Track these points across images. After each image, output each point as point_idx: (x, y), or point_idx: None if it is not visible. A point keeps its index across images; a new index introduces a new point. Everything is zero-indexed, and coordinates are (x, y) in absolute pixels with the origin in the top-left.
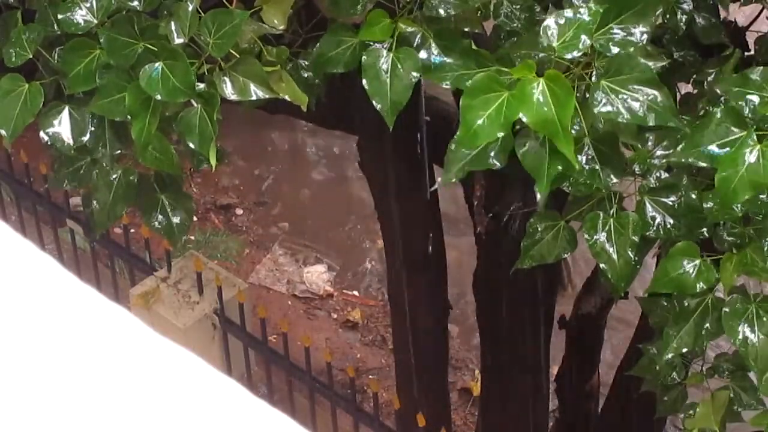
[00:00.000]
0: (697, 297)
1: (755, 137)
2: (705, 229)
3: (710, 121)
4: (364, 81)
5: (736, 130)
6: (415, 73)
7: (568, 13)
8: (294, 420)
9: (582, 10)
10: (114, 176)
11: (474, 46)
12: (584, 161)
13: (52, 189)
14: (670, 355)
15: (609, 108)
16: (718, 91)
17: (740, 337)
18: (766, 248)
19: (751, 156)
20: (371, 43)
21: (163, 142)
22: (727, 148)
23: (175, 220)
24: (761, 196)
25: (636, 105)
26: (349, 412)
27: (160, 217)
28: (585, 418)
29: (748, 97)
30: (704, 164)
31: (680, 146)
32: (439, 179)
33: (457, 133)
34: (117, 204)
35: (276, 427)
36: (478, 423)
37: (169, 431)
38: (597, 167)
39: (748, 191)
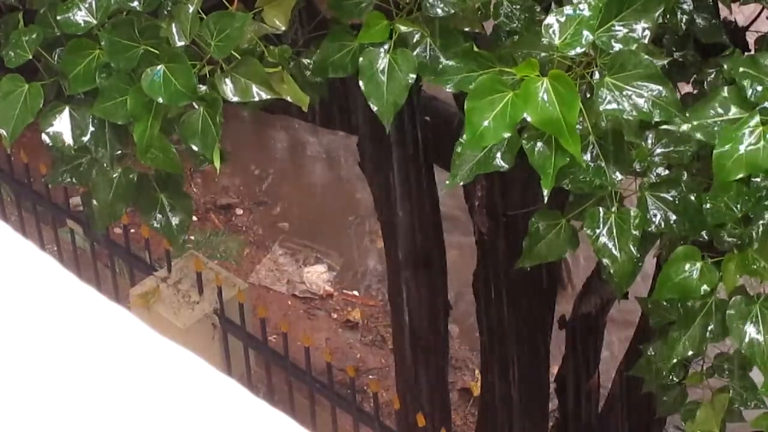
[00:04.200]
0: (700, 299)
1: (758, 119)
2: (705, 232)
3: (714, 98)
4: (360, 82)
5: (739, 110)
6: (412, 75)
7: (569, 10)
8: (294, 420)
9: (582, 6)
10: (114, 175)
11: (475, 47)
12: (589, 159)
13: (52, 188)
14: (676, 359)
15: (614, 105)
16: (726, 67)
17: (746, 338)
18: (760, 231)
19: (752, 137)
20: (370, 45)
21: (164, 142)
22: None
23: (175, 219)
24: (756, 179)
25: (641, 101)
26: (349, 412)
27: (159, 216)
28: (585, 418)
29: (754, 80)
30: (702, 138)
31: (684, 116)
32: (446, 182)
33: (463, 135)
34: (117, 203)
35: (276, 427)
36: (478, 423)
37: (169, 431)
38: (602, 164)
39: (744, 170)
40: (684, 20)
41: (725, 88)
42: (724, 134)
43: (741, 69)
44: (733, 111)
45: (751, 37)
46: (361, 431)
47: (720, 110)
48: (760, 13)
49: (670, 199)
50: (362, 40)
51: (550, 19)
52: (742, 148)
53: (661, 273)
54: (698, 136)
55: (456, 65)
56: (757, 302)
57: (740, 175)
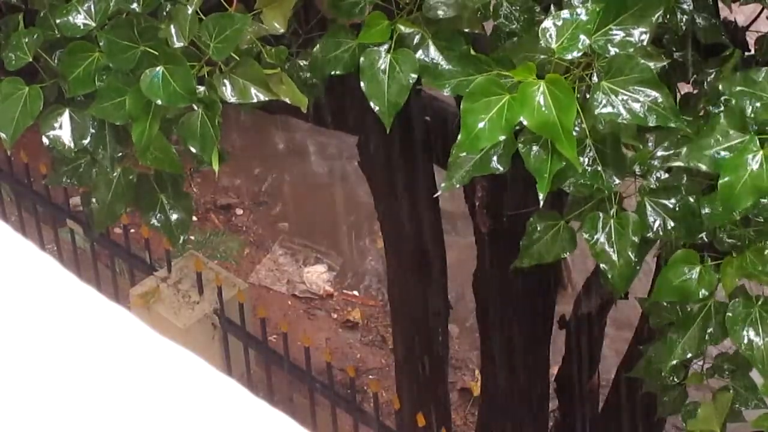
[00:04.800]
0: (699, 302)
1: (758, 142)
2: (704, 234)
3: (714, 125)
4: (361, 82)
5: (738, 134)
6: (413, 75)
7: (566, 14)
8: (294, 420)
9: (580, 11)
10: (114, 176)
11: (472, 51)
12: (586, 162)
13: (52, 188)
14: (675, 361)
15: (609, 109)
16: (721, 88)
17: (745, 340)
18: (767, 251)
19: (754, 162)
20: (370, 45)
21: (164, 142)
22: (731, 153)
23: (175, 219)
24: (762, 200)
25: (636, 106)
26: (349, 412)
27: (159, 215)
28: (585, 418)
29: (751, 98)
30: (707, 169)
31: (684, 150)
32: (442, 184)
33: (458, 137)
34: (116, 203)
35: (276, 427)
36: (478, 423)
37: (169, 431)
38: (599, 168)
39: (751, 197)
40: (684, 20)
41: (722, 115)
42: (727, 164)
43: (737, 89)
44: (734, 136)
45: (751, 37)
46: (361, 431)
47: (720, 138)
48: (760, 13)
49: (670, 205)
50: (363, 41)
51: (548, 23)
52: (746, 175)
53: (659, 276)
54: (702, 167)
55: (453, 68)
56: (756, 305)
57: (749, 203)
